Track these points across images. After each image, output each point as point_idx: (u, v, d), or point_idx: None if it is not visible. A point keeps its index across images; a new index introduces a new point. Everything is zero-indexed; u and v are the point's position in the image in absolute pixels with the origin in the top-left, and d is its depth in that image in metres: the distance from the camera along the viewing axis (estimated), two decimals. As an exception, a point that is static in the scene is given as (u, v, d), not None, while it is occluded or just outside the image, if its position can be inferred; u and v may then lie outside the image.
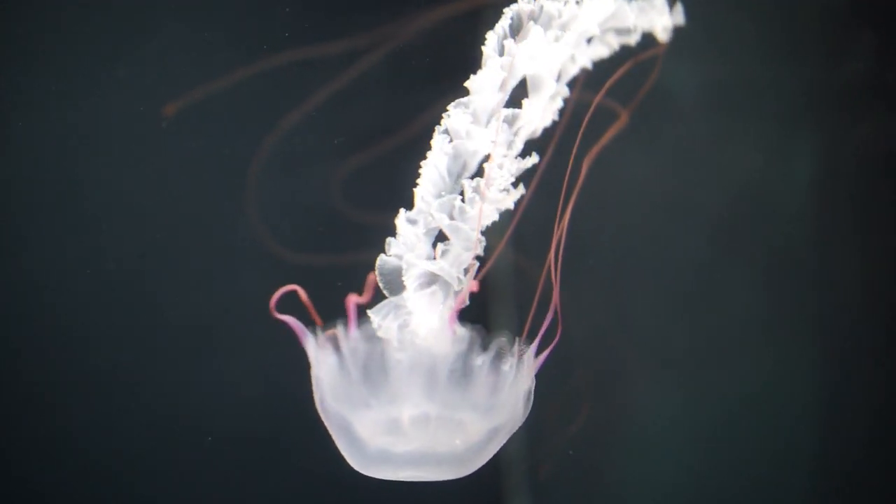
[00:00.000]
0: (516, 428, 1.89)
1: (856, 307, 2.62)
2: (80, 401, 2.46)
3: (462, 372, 1.80)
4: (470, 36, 2.14)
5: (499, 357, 1.83)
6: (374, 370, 1.81)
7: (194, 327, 2.49)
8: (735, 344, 2.64)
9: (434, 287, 1.85)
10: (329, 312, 1.86)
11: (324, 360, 1.83)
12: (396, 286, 1.87)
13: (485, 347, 1.84)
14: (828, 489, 2.65)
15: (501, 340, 1.85)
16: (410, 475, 1.86)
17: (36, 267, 2.42)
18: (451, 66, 2.04)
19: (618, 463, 2.68)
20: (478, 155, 1.89)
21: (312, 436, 1.95)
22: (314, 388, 1.87)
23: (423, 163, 1.88)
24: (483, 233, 1.88)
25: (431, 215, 1.85)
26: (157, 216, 2.45)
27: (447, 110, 1.85)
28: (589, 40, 2.00)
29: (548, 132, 2.01)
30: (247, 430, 2.53)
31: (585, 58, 2.01)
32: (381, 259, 1.86)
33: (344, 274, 2.17)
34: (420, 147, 1.90)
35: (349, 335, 1.83)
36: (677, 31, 2.43)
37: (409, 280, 1.84)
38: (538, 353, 1.88)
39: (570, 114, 2.02)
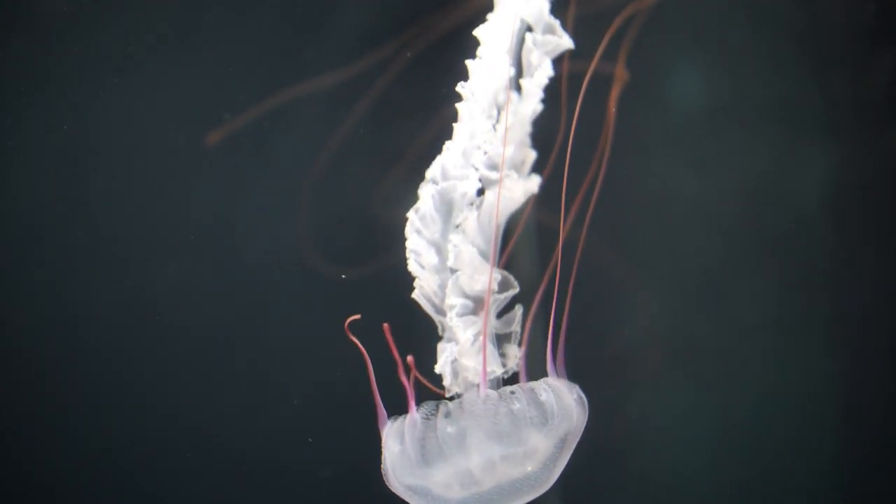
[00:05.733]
0: (582, 428, 1.93)
1: (869, 309, 2.64)
2: (126, 428, 2.50)
3: (509, 420, 1.84)
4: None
5: (533, 392, 1.86)
6: (430, 447, 1.86)
7: (242, 348, 2.53)
8: (751, 344, 2.66)
9: (471, 316, 1.94)
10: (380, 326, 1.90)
11: (389, 446, 1.90)
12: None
13: (516, 388, 1.88)
14: (845, 481, 2.67)
15: (531, 383, 1.89)
16: None
17: (82, 285, 2.46)
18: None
19: (640, 460, 2.71)
20: (466, 196, 1.96)
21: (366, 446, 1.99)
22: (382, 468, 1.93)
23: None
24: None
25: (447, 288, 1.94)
26: (202, 237, 2.49)
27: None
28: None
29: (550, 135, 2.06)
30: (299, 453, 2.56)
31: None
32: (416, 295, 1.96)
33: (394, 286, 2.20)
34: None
35: (407, 421, 1.88)
36: (707, 46, 2.47)
37: (448, 320, 1.93)
38: (560, 357, 1.93)
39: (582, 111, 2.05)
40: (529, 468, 1.87)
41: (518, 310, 2.00)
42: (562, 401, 1.87)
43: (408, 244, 1.96)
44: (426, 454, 1.85)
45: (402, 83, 2.43)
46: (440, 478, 1.86)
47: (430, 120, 2.33)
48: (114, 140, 2.43)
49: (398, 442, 1.88)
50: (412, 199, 2.02)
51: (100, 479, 2.51)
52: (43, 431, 2.49)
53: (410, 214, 1.96)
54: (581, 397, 1.93)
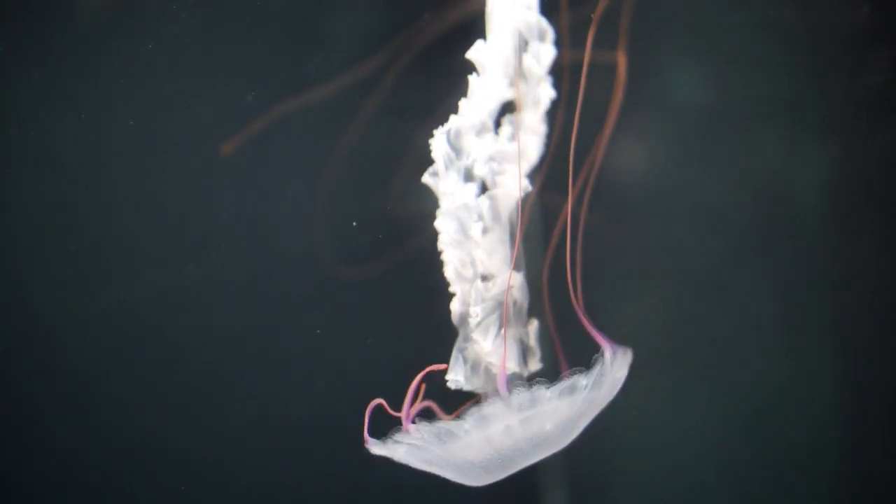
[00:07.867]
0: (614, 394, 1.94)
1: (871, 307, 2.65)
2: (128, 427, 2.50)
3: (537, 414, 1.85)
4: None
5: (572, 384, 1.87)
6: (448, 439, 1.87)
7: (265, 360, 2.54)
8: (752, 344, 2.66)
9: (492, 316, 1.97)
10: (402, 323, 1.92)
11: (397, 449, 1.90)
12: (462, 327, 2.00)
13: (552, 381, 1.87)
14: (849, 486, 2.67)
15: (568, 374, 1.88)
16: (522, 464, 1.93)
17: (94, 288, 2.47)
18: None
19: (639, 457, 2.72)
20: (469, 207, 1.99)
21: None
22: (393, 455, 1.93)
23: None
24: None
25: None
26: (215, 241, 2.50)
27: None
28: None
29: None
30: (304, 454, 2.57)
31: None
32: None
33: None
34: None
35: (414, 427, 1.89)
36: (706, 45, 2.48)
37: (473, 321, 1.96)
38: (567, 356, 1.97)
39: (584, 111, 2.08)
40: (548, 427, 1.88)
41: (533, 323, 2.03)
42: (601, 385, 1.89)
43: (443, 258, 1.99)
44: (442, 443, 1.87)
45: (406, 80, 2.45)
46: (461, 449, 1.87)
47: (438, 115, 2.31)
48: (123, 144, 2.43)
49: (403, 447, 1.89)
50: (423, 196, 2.04)
51: (103, 479, 2.53)
52: (54, 433, 2.50)
53: (440, 239, 1.99)
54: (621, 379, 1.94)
